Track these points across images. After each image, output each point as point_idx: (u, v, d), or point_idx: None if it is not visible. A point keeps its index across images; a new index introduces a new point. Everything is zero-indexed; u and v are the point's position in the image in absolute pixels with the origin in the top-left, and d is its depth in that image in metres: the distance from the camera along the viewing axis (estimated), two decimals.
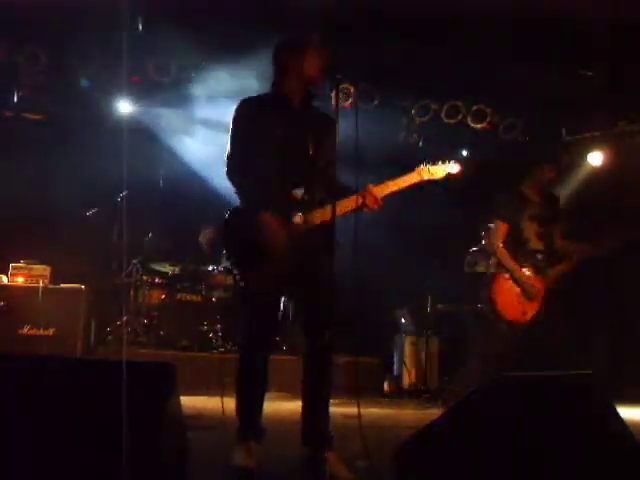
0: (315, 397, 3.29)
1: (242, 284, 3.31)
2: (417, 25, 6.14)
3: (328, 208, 3.11)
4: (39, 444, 2.02)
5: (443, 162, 3.55)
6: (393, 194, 3.36)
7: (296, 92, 3.34)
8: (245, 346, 3.37)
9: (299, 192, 3.23)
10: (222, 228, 3.36)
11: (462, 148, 8.47)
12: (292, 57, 3.30)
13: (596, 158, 7.85)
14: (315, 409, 3.28)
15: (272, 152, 3.24)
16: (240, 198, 3.32)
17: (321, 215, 3.21)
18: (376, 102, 7.34)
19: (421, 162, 3.51)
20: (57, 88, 7.23)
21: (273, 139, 3.24)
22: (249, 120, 3.31)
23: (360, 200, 3.22)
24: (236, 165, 3.29)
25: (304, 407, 3.34)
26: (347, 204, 3.23)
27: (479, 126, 7.71)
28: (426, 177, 3.46)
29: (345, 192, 3.26)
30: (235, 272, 3.36)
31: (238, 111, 3.34)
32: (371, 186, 3.27)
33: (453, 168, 3.55)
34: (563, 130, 8.01)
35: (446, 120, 7.60)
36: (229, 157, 3.32)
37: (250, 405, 3.41)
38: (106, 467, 1.99)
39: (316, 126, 3.30)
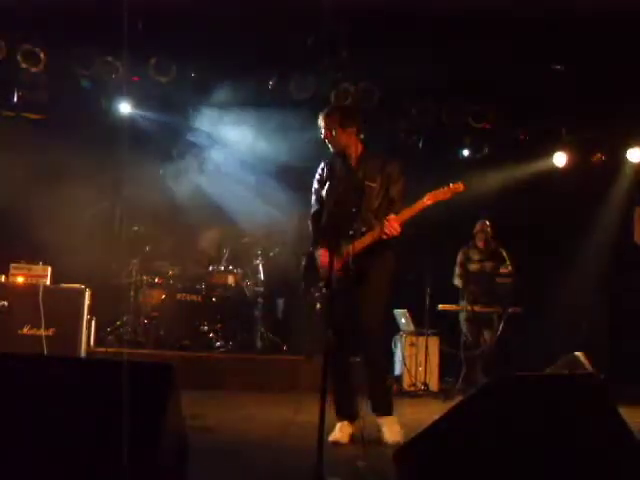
0: (368, 376, 4.16)
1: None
2: (418, 25, 6.14)
3: (359, 240, 4.02)
4: (39, 444, 2.02)
5: (447, 185, 4.10)
6: (410, 218, 4.05)
7: (353, 149, 4.21)
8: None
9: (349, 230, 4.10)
10: (304, 267, 4.37)
11: (462, 148, 8.48)
12: (345, 127, 4.18)
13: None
14: (369, 385, 4.16)
15: (328, 200, 4.21)
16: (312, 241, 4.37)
17: (355, 247, 3.97)
18: (376, 102, 7.34)
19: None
20: (57, 88, 7.23)
21: (331, 190, 4.20)
22: (318, 178, 4.36)
23: (379, 231, 4.00)
24: (313, 213, 4.36)
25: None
26: (371, 236, 4.04)
27: (479, 126, 7.71)
28: (433, 201, 4.07)
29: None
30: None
31: (318, 170, 4.37)
32: (391, 216, 3.99)
33: (458, 188, 4.08)
34: (563, 130, 8.01)
35: (446, 120, 7.59)
36: (312, 207, 4.38)
37: (339, 395, 4.14)
38: (106, 467, 1.99)
39: (367, 174, 4.15)
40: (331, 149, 4.28)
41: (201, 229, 8.02)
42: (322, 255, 4.15)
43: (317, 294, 4.49)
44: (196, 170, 8.38)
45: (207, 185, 8.33)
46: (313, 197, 4.38)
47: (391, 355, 7.46)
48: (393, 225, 3.95)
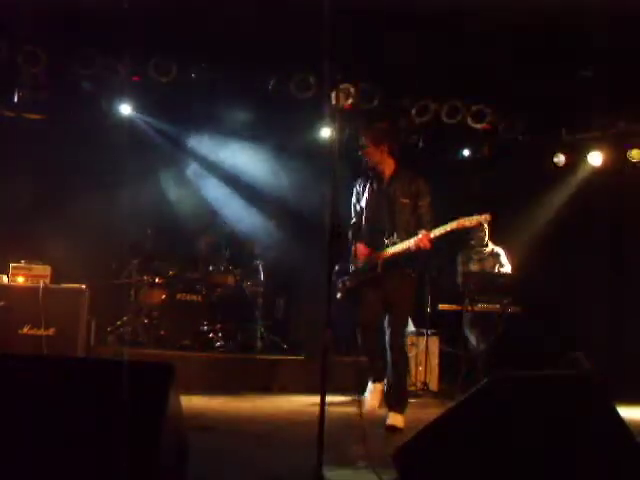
0: (390, 376, 4.71)
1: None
2: (418, 25, 6.14)
3: (391, 249, 4.59)
4: (39, 443, 2.02)
5: (478, 214, 4.54)
6: (442, 236, 4.50)
7: (385, 166, 4.76)
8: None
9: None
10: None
11: (462, 148, 8.48)
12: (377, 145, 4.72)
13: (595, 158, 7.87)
14: (389, 384, 4.74)
15: (364, 215, 4.78)
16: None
17: (388, 252, 4.60)
18: (376, 102, 7.34)
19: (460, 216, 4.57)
20: (57, 88, 7.22)
21: (366, 206, 4.77)
22: (356, 193, 4.90)
23: (412, 242, 4.47)
24: (353, 227, 4.89)
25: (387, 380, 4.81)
26: (406, 246, 4.51)
27: (479, 126, 7.70)
28: (460, 227, 4.52)
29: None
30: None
31: (355, 188, 4.92)
32: (424, 232, 4.46)
33: (486, 218, 4.54)
34: (563, 130, 8.01)
35: (446, 120, 7.59)
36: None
37: (372, 359, 4.82)
38: (106, 466, 1.99)
39: (398, 190, 4.68)
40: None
41: (199, 232, 8.03)
42: (360, 247, 4.76)
43: (340, 285, 4.90)
44: (194, 176, 8.42)
45: (205, 190, 8.38)
46: (352, 211, 4.90)
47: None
48: (424, 240, 4.42)
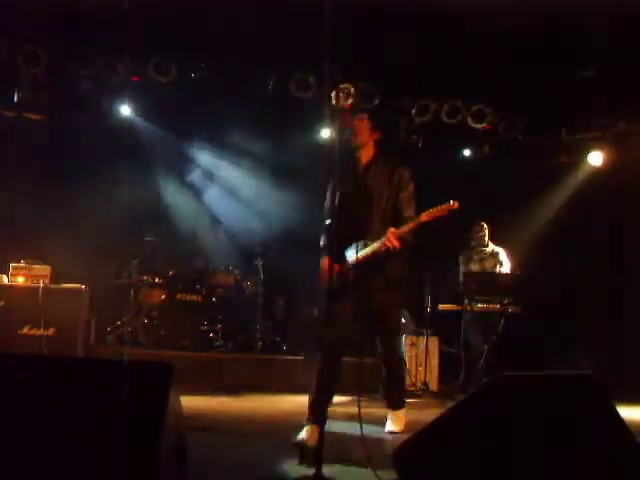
0: (385, 375, 4.48)
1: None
2: (418, 25, 6.14)
3: (365, 250, 4.13)
4: (39, 444, 2.02)
5: (442, 203, 4.13)
6: (410, 232, 4.12)
7: (365, 152, 4.30)
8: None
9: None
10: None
11: (462, 148, 8.48)
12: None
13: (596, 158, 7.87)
14: (385, 382, 4.52)
15: (337, 208, 3.92)
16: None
17: (362, 256, 4.12)
18: (376, 102, 7.34)
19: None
20: (57, 88, 7.23)
21: (340, 197, 3.95)
22: (330, 194, 4.13)
23: (380, 244, 4.07)
24: (326, 227, 4.20)
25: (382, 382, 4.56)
26: (374, 249, 4.11)
27: (479, 126, 7.70)
28: (429, 218, 4.12)
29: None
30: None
31: (331, 182, 4.09)
32: (391, 230, 4.04)
33: (453, 205, 4.12)
34: (563, 130, 8.01)
35: (446, 120, 7.59)
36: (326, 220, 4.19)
37: (319, 396, 4.06)
38: (106, 466, 1.99)
39: (376, 180, 4.21)
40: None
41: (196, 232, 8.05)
42: (324, 263, 4.24)
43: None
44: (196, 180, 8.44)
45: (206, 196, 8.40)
46: (325, 208, 4.32)
47: None
48: (391, 239, 4.01)
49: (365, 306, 4.16)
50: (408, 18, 6.00)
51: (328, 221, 4.21)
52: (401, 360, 4.69)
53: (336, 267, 4.05)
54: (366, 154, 4.29)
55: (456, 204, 4.11)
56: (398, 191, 4.21)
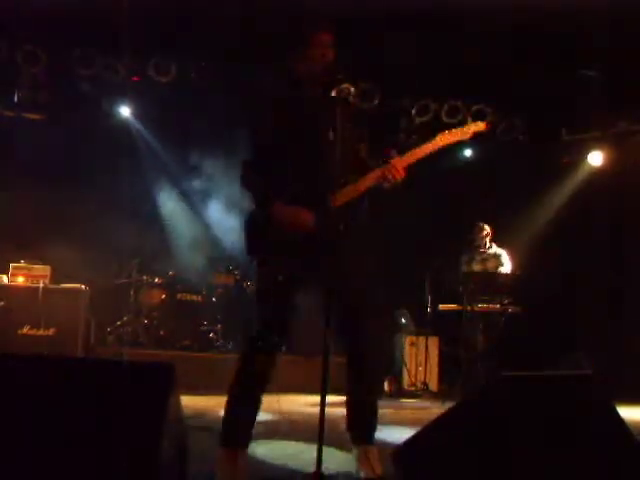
0: (353, 394, 3.21)
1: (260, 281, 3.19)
2: (418, 24, 6.14)
3: (349, 187, 3.07)
4: (39, 444, 2.02)
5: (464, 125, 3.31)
6: (417, 161, 3.19)
7: (311, 82, 3.18)
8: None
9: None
10: (244, 230, 3.21)
11: (463, 148, 8.48)
12: (299, 48, 3.19)
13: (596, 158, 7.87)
14: (353, 405, 3.21)
15: (289, 145, 3.11)
16: (255, 198, 3.15)
17: (343, 196, 3.04)
18: (376, 102, 7.34)
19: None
20: (57, 88, 7.23)
21: (290, 132, 3.11)
22: (272, 118, 3.18)
23: (379, 173, 3.07)
24: (257, 164, 3.15)
25: (346, 402, 3.24)
26: (369, 179, 3.10)
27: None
28: (447, 141, 3.30)
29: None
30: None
31: (262, 110, 3.27)
32: (396, 158, 3.12)
33: (478, 125, 3.28)
34: (563, 130, 8.01)
35: (446, 120, 7.59)
36: (245, 161, 3.19)
37: (245, 413, 3.21)
38: (106, 467, 1.99)
39: (334, 113, 3.00)
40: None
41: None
42: (290, 211, 3.04)
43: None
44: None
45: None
46: (259, 139, 3.21)
47: (391, 355, 7.47)
48: (398, 169, 3.08)
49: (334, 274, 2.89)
50: (408, 18, 6.00)
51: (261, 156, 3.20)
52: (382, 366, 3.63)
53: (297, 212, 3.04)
54: (314, 85, 3.21)
55: (483, 125, 3.28)
56: (355, 130, 3.23)
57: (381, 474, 2.98)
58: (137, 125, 7.91)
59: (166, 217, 8.17)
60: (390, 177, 3.06)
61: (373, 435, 3.12)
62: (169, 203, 8.26)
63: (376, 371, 3.20)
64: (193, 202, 8.37)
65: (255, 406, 3.19)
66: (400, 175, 3.08)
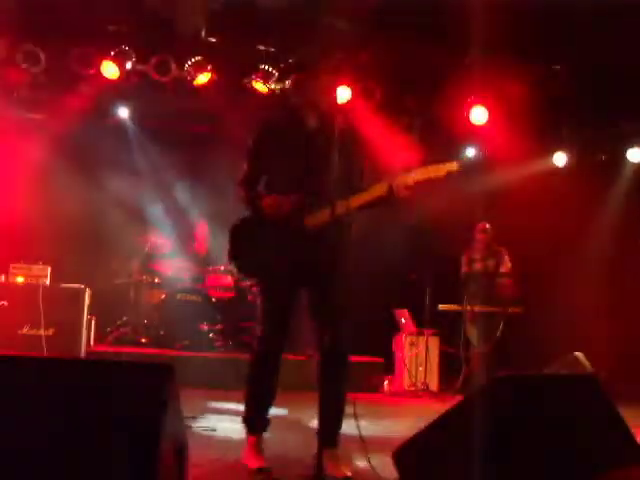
0: (325, 396, 3.33)
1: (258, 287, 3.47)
2: (418, 24, 6.14)
3: (337, 207, 3.21)
4: (39, 444, 2.02)
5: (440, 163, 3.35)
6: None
7: (311, 112, 3.42)
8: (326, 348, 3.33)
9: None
10: (230, 237, 3.44)
11: (463, 148, 8.48)
12: (302, 79, 3.44)
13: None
14: (324, 407, 3.33)
15: (285, 167, 3.37)
16: (248, 207, 3.43)
17: (320, 217, 3.26)
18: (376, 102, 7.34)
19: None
20: (57, 88, 7.22)
21: (287, 156, 3.37)
22: (269, 142, 3.44)
23: (387, 188, 3.21)
24: (247, 179, 3.46)
25: (319, 403, 3.35)
26: (371, 194, 3.25)
27: (479, 126, 7.70)
28: (423, 176, 3.29)
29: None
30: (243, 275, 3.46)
31: (260, 133, 3.49)
32: (402, 177, 3.23)
33: (452, 166, 3.31)
34: (563, 130, 8.02)
35: (445, 120, 7.59)
36: (243, 173, 3.47)
37: (262, 402, 3.47)
38: (106, 467, 1.99)
39: (329, 142, 3.29)
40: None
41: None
42: (276, 199, 3.29)
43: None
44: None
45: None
46: (252, 160, 3.49)
47: (391, 355, 7.47)
48: (407, 184, 3.21)
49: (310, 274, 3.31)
50: (408, 18, 6.00)
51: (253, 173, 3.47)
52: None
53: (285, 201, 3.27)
54: (313, 115, 3.43)
55: (456, 166, 3.27)
56: (349, 157, 3.39)
57: (351, 475, 3.13)
58: (132, 127, 7.93)
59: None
60: (401, 196, 3.20)
61: (339, 436, 3.28)
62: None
63: (348, 371, 3.34)
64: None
65: (270, 397, 3.44)
66: (409, 195, 3.23)
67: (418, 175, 3.24)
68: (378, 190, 3.24)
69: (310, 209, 3.28)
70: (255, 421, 3.40)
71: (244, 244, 3.39)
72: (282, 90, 3.34)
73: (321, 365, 3.34)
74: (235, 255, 3.44)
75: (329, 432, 3.24)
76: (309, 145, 3.36)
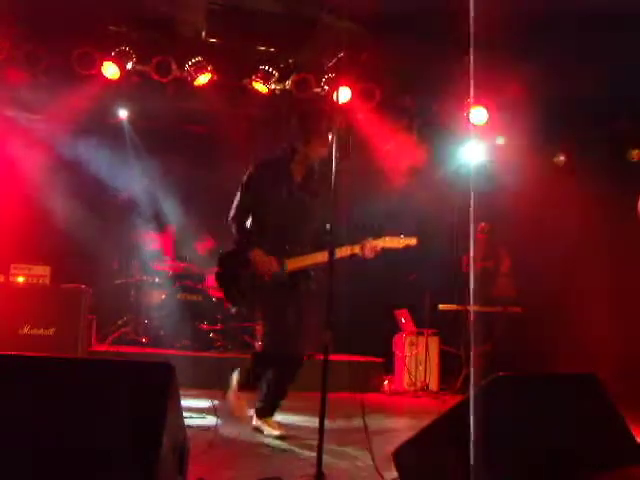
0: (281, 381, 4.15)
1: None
2: (417, 24, 6.14)
3: (313, 256, 3.96)
4: (39, 444, 2.02)
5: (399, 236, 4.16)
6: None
7: (300, 168, 4.11)
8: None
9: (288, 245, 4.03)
10: (220, 270, 4.11)
11: (463, 147, 8.47)
12: (300, 142, 4.04)
13: None
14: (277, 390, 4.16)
15: (273, 213, 4.02)
16: (238, 240, 4.05)
17: (298, 262, 3.99)
18: (376, 102, 7.34)
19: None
20: (57, 88, 7.22)
21: (276, 203, 4.02)
22: (261, 182, 4.06)
23: (359, 248, 3.98)
24: (239, 215, 4.07)
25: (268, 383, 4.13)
26: (346, 251, 3.95)
27: (479, 126, 7.70)
28: (387, 245, 4.09)
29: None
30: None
31: (255, 171, 4.09)
32: (371, 241, 3.99)
33: (412, 241, 4.16)
34: (563, 130, 8.01)
35: (445, 120, 7.59)
36: (237, 206, 4.07)
37: (278, 394, 4.17)
38: (106, 467, 1.99)
39: (308, 198, 4.06)
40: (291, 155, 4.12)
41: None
42: (261, 255, 4.00)
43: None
44: None
45: None
46: (249, 197, 4.09)
47: (391, 355, 7.47)
48: (375, 249, 4.01)
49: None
50: (408, 18, 6.00)
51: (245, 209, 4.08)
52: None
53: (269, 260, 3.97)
54: (301, 172, 4.15)
55: (415, 241, 4.17)
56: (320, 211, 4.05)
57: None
58: (129, 128, 7.94)
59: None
60: (367, 255, 3.98)
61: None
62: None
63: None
64: None
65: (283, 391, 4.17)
66: (373, 256, 3.99)
67: (385, 243, 4.04)
68: (352, 250, 3.96)
69: (290, 255, 3.97)
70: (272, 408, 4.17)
71: (229, 277, 4.06)
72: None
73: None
74: (223, 287, 4.13)
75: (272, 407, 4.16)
76: (293, 199, 4.04)
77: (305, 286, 4.04)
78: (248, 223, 4.10)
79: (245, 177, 4.09)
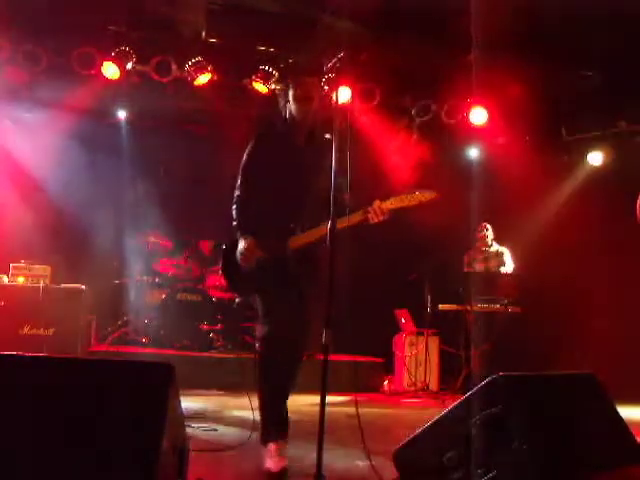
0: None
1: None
2: (417, 24, 6.14)
3: (317, 230, 3.48)
4: (39, 444, 2.02)
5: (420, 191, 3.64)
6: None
7: (299, 132, 3.63)
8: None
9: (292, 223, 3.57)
10: (223, 261, 3.70)
11: (463, 149, 8.47)
12: (288, 89, 3.62)
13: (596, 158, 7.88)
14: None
15: (272, 187, 3.55)
16: (234, 227, 3.63)
17: (303, 238, 3.54)
18: (376, 102, 7.34)
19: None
20: (57, 88, 7.22)
21: (275, 176, 3.55)
22: (259, 157, 3.63)
23: (362, 214, 3.47)
24: (242, 201, 3.62)
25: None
26: (351, 220, 3.44)
27: (479, 126, 7.70)
28: (398, 205, 3.56)
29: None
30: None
31: (252, 147, 3.66)
32: (377, 202, 3.48)
33: (425, 196, 3.62)
34: (563, 130, 8.01)
35: (446, 120, 7.59)
36: (238, 190, 3.64)
37: (280, 408, 3.61)
38: (106, 467, 1.99)
39: (315, 159, 3.55)
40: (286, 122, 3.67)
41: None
42: (248, 247, 3.52)
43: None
44: None
45: None
46: (246, 175, 3.66)
47: (391, 355, 7.47)
48: (383, 210, 3.46)
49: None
50: (408, 18, 6.00)
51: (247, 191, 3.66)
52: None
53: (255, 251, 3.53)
54: (301, 133, 3.66)
55: (430, 196, 3.62)
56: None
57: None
58: (127, 128, 7.94)
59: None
60: (375, 219, 3.46)
61: None
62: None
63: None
64: None
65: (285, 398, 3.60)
66: (382, 219, 3.48)
67: (394, 204, 3.50)
68: (356, 217, 3.46)
69: (294, 232, 3.55)
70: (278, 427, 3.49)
71: (233, 268, 3.62)
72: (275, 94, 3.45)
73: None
74: (227, 277, 3.74)
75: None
76: (296, 168, 3.58)
77: (306, 270, 3.57)
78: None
79: (245, 157, 3.69)
